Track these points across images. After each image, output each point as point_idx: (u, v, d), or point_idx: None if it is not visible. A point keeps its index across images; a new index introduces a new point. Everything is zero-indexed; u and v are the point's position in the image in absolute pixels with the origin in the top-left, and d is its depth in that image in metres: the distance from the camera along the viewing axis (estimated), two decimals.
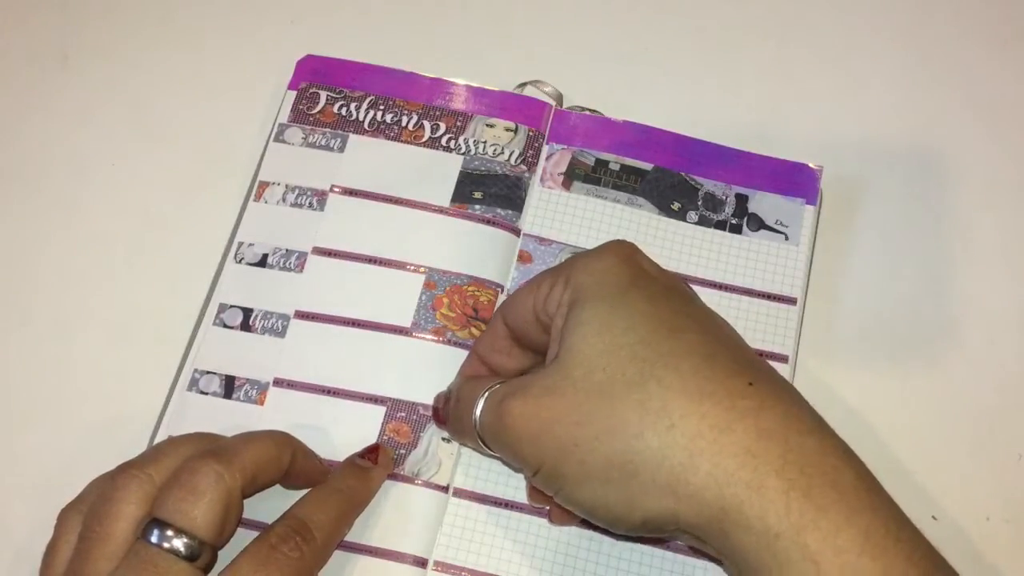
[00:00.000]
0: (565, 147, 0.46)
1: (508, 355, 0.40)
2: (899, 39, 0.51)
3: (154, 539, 0.33)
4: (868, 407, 0.44)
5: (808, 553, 0.30)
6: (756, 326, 0.43)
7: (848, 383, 0.44)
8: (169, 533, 0.33)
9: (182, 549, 0.33)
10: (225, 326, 0.44)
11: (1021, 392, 0.44)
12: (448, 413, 0.40)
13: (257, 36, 0.51)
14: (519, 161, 0.46)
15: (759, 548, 0.31)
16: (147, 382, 0.44)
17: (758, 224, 0.45)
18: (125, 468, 0.36)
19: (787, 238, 0.44)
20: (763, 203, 0.45)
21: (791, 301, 0.44)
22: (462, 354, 0.43)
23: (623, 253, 0.36)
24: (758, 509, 0.31)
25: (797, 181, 0.45)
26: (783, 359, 0.43)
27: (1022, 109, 0.49)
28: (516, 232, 0.45)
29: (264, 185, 0.46)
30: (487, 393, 0.37)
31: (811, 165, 0.45)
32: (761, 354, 0.43)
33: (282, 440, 0.38)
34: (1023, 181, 0.48)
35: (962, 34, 0.51)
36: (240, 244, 0.45)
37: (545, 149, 0.47)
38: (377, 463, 0.40)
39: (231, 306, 0.44)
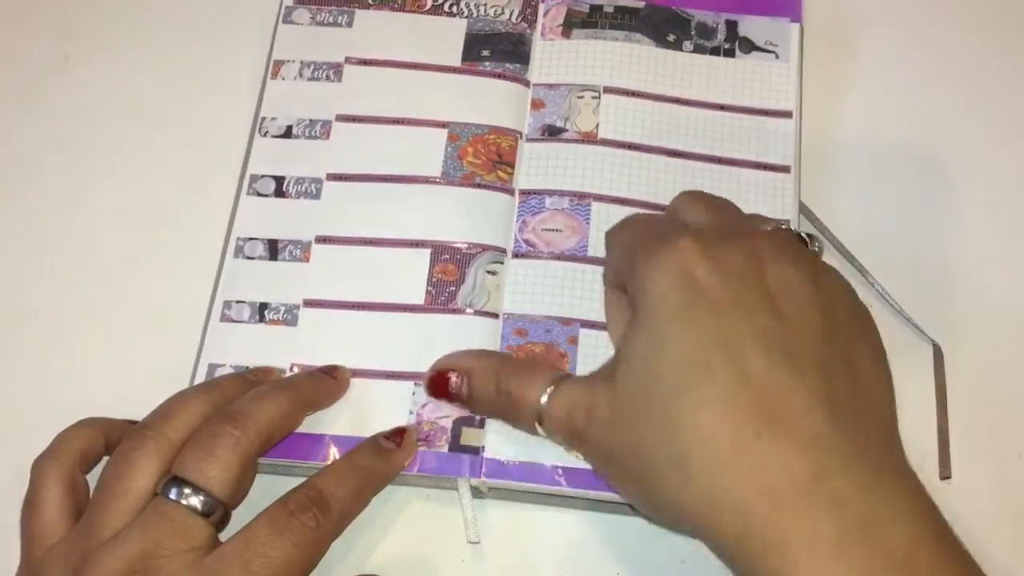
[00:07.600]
0: (559, 1, 0.49)
1: None
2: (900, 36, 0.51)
3: (172, 495, 0.35)
4: None
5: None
6: (756, 140, 0.46)
7: None
8: (187, 491, 0.35)
9: (199, 506, 0.35)
10: (259, 194, 0.46)
11: (1021, 392, 0.44)
12: (472, 390, 0.40)
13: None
14: (519, 19, 0.49)
15: None
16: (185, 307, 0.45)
17: (749, 47, 0.48)
18: (141, 428, 0.37)
19: (777, 56, 0.48)
20: (752, 26, 0.48)
21: (787, 115, 0.47)
22: (493, 196, 0.45)
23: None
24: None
25: (780, 2, 0.49)
26: (785, 169, 0.46)
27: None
28: (526, 84, 0.48)
29: (279, 64, 0.48)
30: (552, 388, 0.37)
31: None
32: (765, 166, 0.46)
33: (296, 398, 0.40)
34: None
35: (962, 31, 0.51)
36: (263, 119, 0.47)
37: (541, 7, 0.49)
38: (401, 446, 0.40)
39: (262, 176, 0.46)
